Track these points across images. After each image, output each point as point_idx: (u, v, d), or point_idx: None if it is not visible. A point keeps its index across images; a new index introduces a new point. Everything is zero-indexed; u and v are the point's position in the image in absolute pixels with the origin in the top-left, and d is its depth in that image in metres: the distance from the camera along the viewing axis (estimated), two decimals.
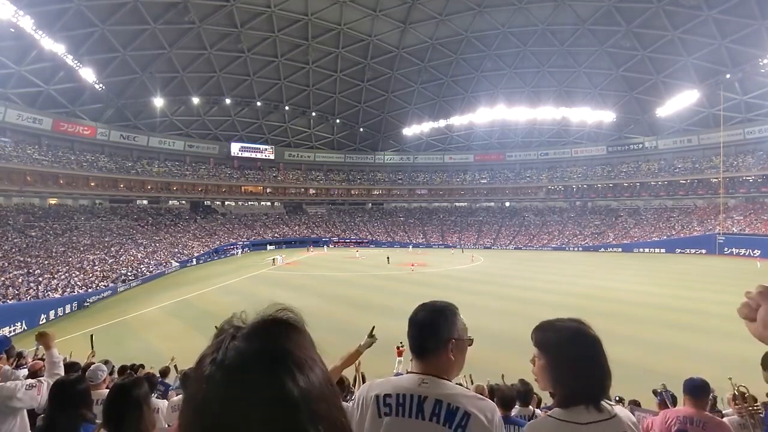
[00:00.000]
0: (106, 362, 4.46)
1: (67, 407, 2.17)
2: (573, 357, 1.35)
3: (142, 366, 8.03)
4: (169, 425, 3.77)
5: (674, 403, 4.34)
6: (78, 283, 26.94)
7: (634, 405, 6.61)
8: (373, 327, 2.99)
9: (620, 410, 1.37)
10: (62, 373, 3.39)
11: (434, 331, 1.51)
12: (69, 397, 2.20)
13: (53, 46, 34.70)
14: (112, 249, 36.27)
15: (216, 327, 0.62)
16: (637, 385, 8.53)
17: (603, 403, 1.35)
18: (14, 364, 6.09)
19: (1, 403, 2.75)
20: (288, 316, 0.60)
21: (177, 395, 4.46)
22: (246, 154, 63.79)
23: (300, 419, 0.50)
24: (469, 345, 1.58)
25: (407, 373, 1.55)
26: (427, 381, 1.45)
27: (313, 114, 64.58)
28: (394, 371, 11.43)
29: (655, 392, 4.53)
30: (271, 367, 0.52)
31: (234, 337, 0.55)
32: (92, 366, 3.87)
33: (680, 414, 3.05)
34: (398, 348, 12.46)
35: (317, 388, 0.53)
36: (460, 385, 1.57)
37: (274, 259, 41.42)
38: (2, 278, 24.24)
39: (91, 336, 7.60)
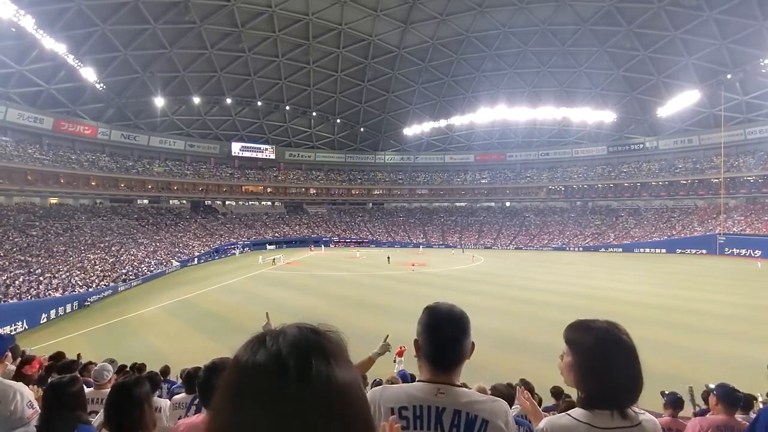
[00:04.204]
0: (111, 361, 4.47)
1: (61, 409, 2.18)
2: (599, 359, 1.33)
3: (144, 365, 8.04)
4: (170, 425, 3.78)
5: (681, 405, 4.35)
6: (78, 282, 26.97)
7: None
8: (387, 336, 2.99)
9: (648, 418, 1.33)
10: None
11: (462, 345, 1.47)
12: (63, 398, 2.21)
13: (54, 45, 34.70)
14: (113, 248, 36.31)
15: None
16: None
17: (630, 410, 1.31)
18: (18, 363, 6.10)
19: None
20: (329, 332, 0.66)
21: (179, 394, 4.47)
22: (247, 154, 63.86)
23: (331, 402, 0.54)
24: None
25: (418, 381, 1.49)
26: (444, 390, 1.40)
27: (314, 114, 64.58)
28: (395, 371, 11.43)
29: (662, 393, 4.54)
30: (316, 354, 0.57)
31: (284, 332, 0.61)
32: (98, 366, 3.89)
33: (719, 423, 3.06)
34: (399, 348, 12.42)
35: (352, 382, 0.59)
36: (465, 385, 1.53)
37: (273, 259, 41.25)
38: (3, 277, 24.28)
39: None
